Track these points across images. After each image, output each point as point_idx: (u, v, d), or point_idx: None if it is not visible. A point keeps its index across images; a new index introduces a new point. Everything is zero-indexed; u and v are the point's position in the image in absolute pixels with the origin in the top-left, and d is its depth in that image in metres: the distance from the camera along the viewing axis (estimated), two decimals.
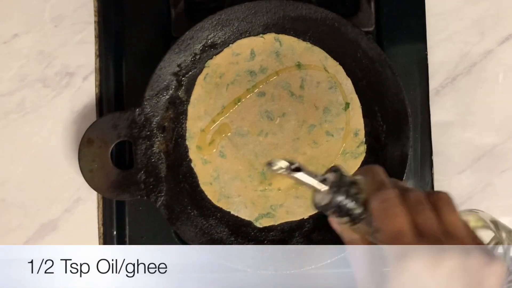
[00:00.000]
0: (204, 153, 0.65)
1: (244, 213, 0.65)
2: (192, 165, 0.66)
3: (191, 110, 0.66)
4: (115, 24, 0.69)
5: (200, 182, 0.66)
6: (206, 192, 0.66)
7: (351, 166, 0.65)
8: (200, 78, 0.66)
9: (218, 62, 0.65)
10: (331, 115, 0.65)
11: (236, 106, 0.65)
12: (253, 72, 0.65)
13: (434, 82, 0.68)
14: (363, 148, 0.65)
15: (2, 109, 0.68)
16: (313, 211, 0.65)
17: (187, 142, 0.66)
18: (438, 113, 0.68)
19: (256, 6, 0.63)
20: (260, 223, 0.65)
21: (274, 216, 0.65)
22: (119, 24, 0.69)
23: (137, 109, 0.62)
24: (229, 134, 0.65)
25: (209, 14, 0.62)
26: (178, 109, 0.65)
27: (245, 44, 0.65)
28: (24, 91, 0.68)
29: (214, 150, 0.65)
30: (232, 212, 0.65)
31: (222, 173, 0.65)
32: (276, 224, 0.65)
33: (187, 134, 0.66)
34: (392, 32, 0.67)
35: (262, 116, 0.65)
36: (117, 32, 0.69)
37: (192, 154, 0.66)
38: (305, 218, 0.65)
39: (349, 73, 0.65)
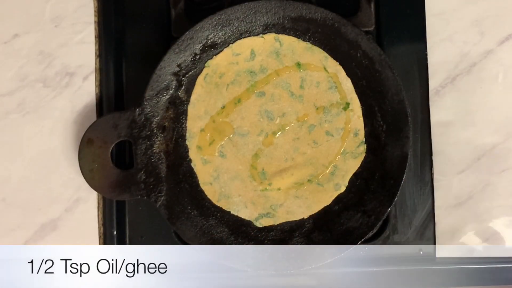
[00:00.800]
0: (204, 153, 0.65)
1: (244, 213, 0.65)
2: (192, 165, 0.66)
3: (191, 110, 0.66)
4: (115, 24, 0.69)
5: (200, 182, 0.66)
6: (206, 192, 0.66)
7: (351, 166, 0.65)
8: (200, 78, 0.66)
9: (218, 62, 0.65)
10: (331, 115, 0.65)
11: (236, 106, 0.65)
12: (253, 72, 0.65)
13: (434, 82, 0.68)
14: (363, 148, 0.65)
15: (2, 109, 0.68)
16: (313, 211, 0.65)
17: (187, 142, 0.66)
18: (438, 113, 0.68)
19: (256, 6, 0.63)
20: (260, 223, 0.65)
21: (274, 216, 0.65)
22: (119, 24, 0.69)
23: (137, 109, 0.62)
24: (230, 135, 0.65)
25: (209, 14, 0.63)
26: (178, 109, 0.65)
27: (245, 44, 0.65)
28: (24, 91, 0.68)
29: (216, 154, 0.65)
30: (232, 212, 0.65)
31: (222, 173, 0.65)
32: (276, 224, 0.65)
33: (187, 134, 0.66)
34: (392, 32, 0.67)
35: (262, 116, 0.65)
36: (117, 32, 0.69)
37: (192, 154, 0.66)
38: (305, 218, 0.65)
39: (349, 73, 0.65)
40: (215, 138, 0.65)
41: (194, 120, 0.66)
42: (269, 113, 0.66)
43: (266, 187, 0.65)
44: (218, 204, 0.66)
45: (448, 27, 0.69)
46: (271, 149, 0.65)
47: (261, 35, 0.65)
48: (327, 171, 0.65)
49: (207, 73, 0.66)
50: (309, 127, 0.65)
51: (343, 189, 0.65)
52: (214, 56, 0.65)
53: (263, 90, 0.65)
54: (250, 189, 0.65)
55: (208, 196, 0.66)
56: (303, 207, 0.65)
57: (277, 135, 0.65)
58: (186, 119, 0.66)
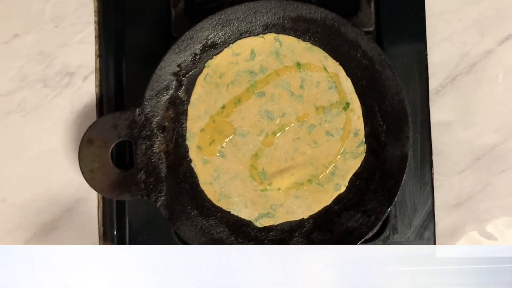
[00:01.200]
0: (205, 153, 0.65)
1: (244, 213, 0.65)
2: (192, 165, 0.66)
3: (191, 110, 0.66)
4: (115, 24, 0.69)
5: (200, 182, 0.66)
6: (206, 192, 0.66)
7: (351, 166, 0.65)
8: (200, 78, 0.66)
9: (218, 62, 0.65)
10: (331, 115, 0.65)
11: (236, 106, 0.65)
12: (253, 72, 0.65)
13: (434, 82, 0.68)
14: (363, 148, 0.65)
15: (2, 109, 0.68)
16: (313, 211, 0.65)
17: (187, 142, 0.66)
18: (438, 113, 0.68)
19: (256, 6, 0.63)
20: (260, 223, 0.65)
21: (274, 216, 0.65)
22: (119, 24, 0.69)
23: (137, 109, 0.63)
24: (231, 136, 0.65)
25: (209, 14, 0.63)
26: (178, 109, 0.65)
27: (245, 44, 0.65)
28: (24, 91, 0.68)
29: (217, 154, 0.65)
30: (232, 212, 0.65)
31: (222, 173, 0.65)
32: (276, 224, 0.65)
33: (187, 134, 0.66)
34: (392, 32, 0.68)
35: (262, 116, 0.65)
36: (117, 32, 0.69)
37: (192, 154, 0.66)
38: (305, 218, 0.65)
39: (349, 73, 0.65)
40: (215, 138, 0.65)
41: (194, 120, 0.66)
42: (269, 113, 0.66)
43: (266, 187, 0.65)
44: (218, 204, 0.66)
45: (448, 27, 0.69)
46: (271, 149, 0.66)
47: (261, 35, 0.65)
48: (327, 171, 0.65)
49: (207, 73, 0.66)
50: (309, 127, 0.65)
51: (343, 189, 0.65)
52: (214, 56, 0.65)
53: (263, 90, 0.65)
54: (250, 189, 0.65)
55: (208, 196, 0.66)
56: (303, 207, 0.65)
57: (277, 135, 0.65)
58: (186, 119, 0.66)
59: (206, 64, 0.65)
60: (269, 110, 0.66)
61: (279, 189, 0.65)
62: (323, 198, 0.65)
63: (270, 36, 0.65)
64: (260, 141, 0.66)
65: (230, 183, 0.65)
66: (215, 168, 0.66)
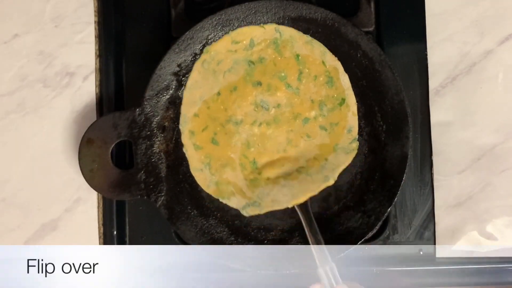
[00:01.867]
0: (197, 139, 0.64)
1: (233, 202, 0.63)
2: (184, 150, 0.64)
3: (187, 94, 0.64)
4: (115, 24, 0.69)
5: (191, 167, 0.64)
6: (196, 179, 0.64)
7: (342, 161, 0.64)
8: (198, 63, 0.64)
9: (217, 48, 0.64)
10: (326, 109, 0.65)
11: (232, 94, 0.65)
12: (251, 61, 0.65)
13: (434, 82, 0.68)
14: (355, 144, 0.64)
15: (2, 109, 0.68)
16: (298, 201, 0.63)
17: (180, 127, 0.64)
18: (438, 113, 0.68)
19: (256, 6, 0.63)
20: (247, 212, 0.63)
21: (260, 205, 0.63)
22: (119, 24, 0.69)
23: (137, 109, 0.62)
24: (224, 123, 0.64)
25: (209, 14, 0.63)
26: (178, 109, 0.65)
27: (245, 33, 0.64)
28: (24, 91, 0.68)
29: (209, 141, 0.64)
30: (221, 200, 0.63)
31: (213, 160, 0.64)
32: (262, 213, 0.63)
33: (181, 119, 0.64)
34: (392, 32, 0.68)
35: (257, 105, 0.65)
36: (117, 32, 0.69)
37: (185, 139, 0.64)
38: (289, 207, 0.63)
39: (349, 73, 0.65)
40: (208, 124, 0.64)
41: (188, 105, 0.64)
42: (265, 103, 0.65)
43: (256, 176, 0.64)
44: (207, 191, 0.63)
45: (448, 27, 0.69)
46: (264, 139, 0.65)
47: (261, 24, 0.64)
48: (318, 164, 0.64)
49: (205, 59, 0.64)
50: (303, 120, 0.65)
51: (331, 182, 0.63)
52: (214, 43, 0.64)
53: (260, 80, 0.65)
54: (240, 178, 0.64)
55: (198, 183, 0.64)
56: (289, 195, 0.63)
57: (271, 126, 0.65)
58: None
59: (204, 50, 0.64)
60: (264, 100, 0.65)
61: (268, 178, 0.64)
62: (310, 187, 0.63)
63: (271, 27, 0.64)
64: (253, 130, 0.65)
65: (220, 170, 0.64)
66: (207, 155, 0.64)
